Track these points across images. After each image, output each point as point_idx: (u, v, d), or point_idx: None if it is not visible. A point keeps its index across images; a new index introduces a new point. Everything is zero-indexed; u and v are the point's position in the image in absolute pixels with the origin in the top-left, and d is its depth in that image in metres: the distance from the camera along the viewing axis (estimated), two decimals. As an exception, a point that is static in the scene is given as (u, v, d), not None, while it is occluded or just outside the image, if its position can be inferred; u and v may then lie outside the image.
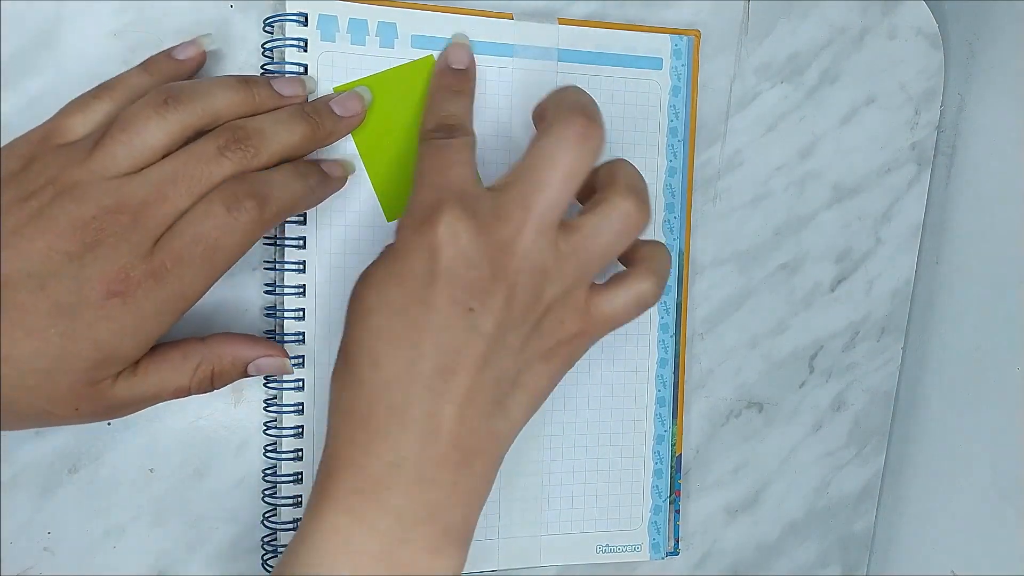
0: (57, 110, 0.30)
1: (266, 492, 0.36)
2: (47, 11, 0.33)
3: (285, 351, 0.33)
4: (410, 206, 0.30)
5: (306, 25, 0.34)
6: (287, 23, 0.34)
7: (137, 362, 0.30)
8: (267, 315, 0.36)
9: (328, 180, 0.33)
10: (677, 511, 0.42)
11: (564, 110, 0.30)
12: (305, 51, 0.34)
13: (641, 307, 0.32)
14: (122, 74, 0.31)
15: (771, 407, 0.45)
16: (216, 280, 0.29)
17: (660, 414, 0.41)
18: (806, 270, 0.44)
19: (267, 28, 0.35)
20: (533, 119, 0.34)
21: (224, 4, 0.35)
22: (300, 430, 0.36)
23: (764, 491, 0.45)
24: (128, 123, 0.29)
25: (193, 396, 0.35)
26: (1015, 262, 0.42)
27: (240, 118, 0.31)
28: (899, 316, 0.46)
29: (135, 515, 0.36)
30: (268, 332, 0.36)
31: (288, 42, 0.34)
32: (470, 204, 0.29)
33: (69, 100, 0.30)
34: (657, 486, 0.42)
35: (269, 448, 0.36)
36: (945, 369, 0.46)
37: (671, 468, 0.42)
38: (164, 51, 0.33)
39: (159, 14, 0.34)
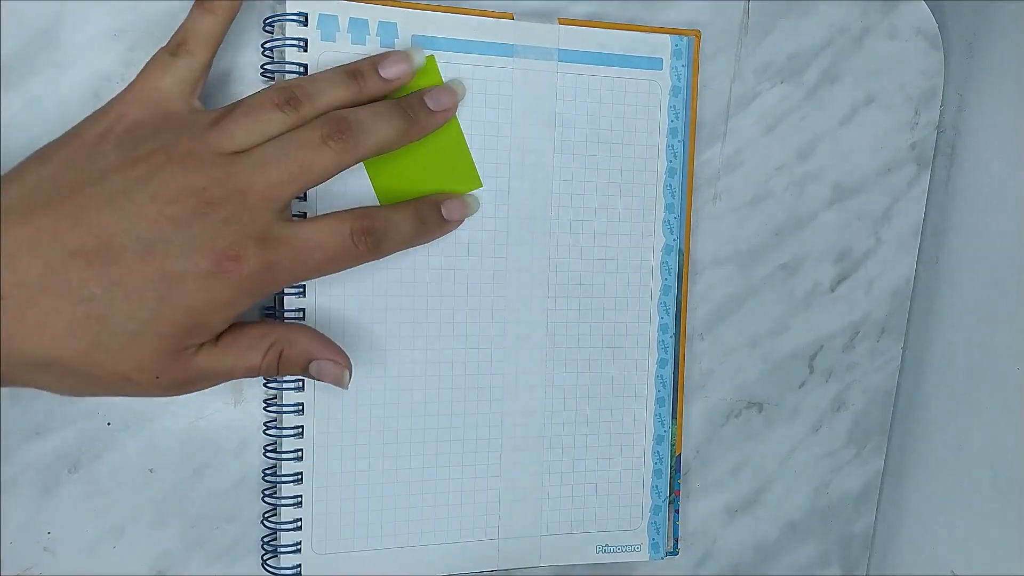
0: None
1: (266, 492, 0.36)
2: (47, 11, 0.33)
3: (350, 362, 0.33)
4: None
5: (306, 25, 0.34)
6: (287, 23, 0.34)
7: (219, 336, 0.30)
8: (266, 314, 0.36)
9: (443, 225, 0.36)
10: (677, 511, 0.42)
11: None
12: (305, 51, 0.34)
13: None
14: (309, 79, 0.32)
15: (771, 407, 0.45)
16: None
17: (660, 414, 0.41)
18: (806, 270, 0.44)
19: (267, 28, 0.35)
20: None
21: (224, 4, 0.35)
22: (300, 430, 0.36)
23: (764, 491, 0.45)
24: (252, 110, 0.30)
25: (195, 396, 0.35)
26: (1015, 262, 0.42)
27: (338, 110, 0.32)
28: (899, 316, 0.46)
29: (135, 515, 0.36)
30: (268, 332, 0.36)
31: (288, 42, 0.34)
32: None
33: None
34: (657, 486, 0.42)
35: (269, 448, 0.36)
36: (945, 369, 0.46)
37: (671, 468, 0.42)
38: (371, 64, 0.33)
39: (159, 14, 0.34)
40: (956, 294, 0.46)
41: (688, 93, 0.40)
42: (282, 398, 0.35)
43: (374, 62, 0.33)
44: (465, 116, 0.37)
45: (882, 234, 0.45)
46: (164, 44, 0.31)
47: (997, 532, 0.42)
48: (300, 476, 0.36)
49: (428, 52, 0.36)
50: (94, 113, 0.30)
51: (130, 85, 0.30)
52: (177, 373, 0.29)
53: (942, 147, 0.46)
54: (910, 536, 0.47)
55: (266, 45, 0.35)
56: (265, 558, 0.36)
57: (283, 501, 0.36)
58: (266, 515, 0.36)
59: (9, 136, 0.33)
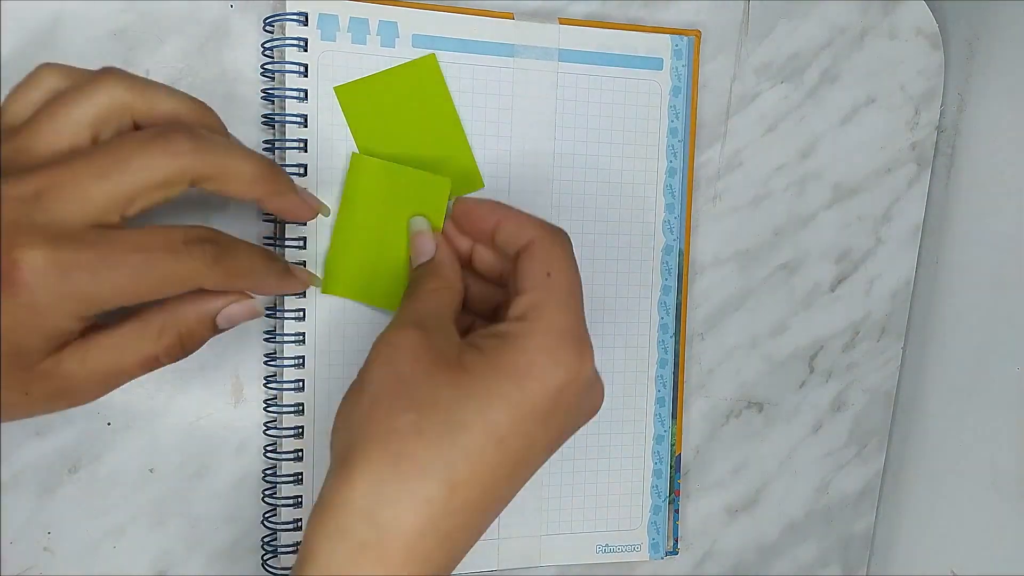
0: None
1: (266, 492, 0.36)
2: (47, 11, 0.33)
3: (250, 295, 0.30)
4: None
5: (306, 25, 0.34)
6: (287, 23, 0.34)
7: (86, 335, 0.27)
8: (267, 315, 0.36)
9: (289, 279, 0.32)
10: (676, 511, 0.42)
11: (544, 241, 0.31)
12: (305, 51, 0.34)
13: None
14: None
15: (771, 407, 0.45)
16: (142, 296, 0.26)
17: (660, 414, 0.41)
18: (806, 270, 0.44)
19: (267, 28, 0.35)
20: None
21: (224, 4, 0.35)
22: (300, 430, 0.36)
23: (764, 491, 0.45)
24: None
25: (195, 396, 0.35)
26: (1015, 262, 0.42)
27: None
28: (899, 316, 0.46)
29: (135, 515, 0.36)
30: (267, 332, 0.36)
31: (288, 42, 0.34)
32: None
33: None
34: (657, 486, 0.42)
35: (269, 448, 0.36)
36: (945, 369, 0.46)
37: (671, 468, 0.42)
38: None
39: (159, 14, 0.34)
40: (956, 294, 0.46)
41: (688, 93, 0.40)
42: (282, 398, 0.35)
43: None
44: (465, 116, 0.37)
45: (882, 234, 0.45)
46: None
47: (997, 532, 0.42)
48: (300, 476, 0.36)
49: (429, 51, 0.36)
50: None
51: None
52: (47, 385, 0.26)
53: (942, 147, 0.46)
54: (910, 536, 0.47)
55: (266, 45, 0.35)
56: (265, 558, 0.36)
57: (283, 501, 0.36)
58: (266, 515, 0.36)
59: (9, 136, 0.33)
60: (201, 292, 0.29)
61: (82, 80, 0.27)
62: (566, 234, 0.31)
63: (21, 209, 0.25)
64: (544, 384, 0.27)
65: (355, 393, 0.28)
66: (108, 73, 0.27)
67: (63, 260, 0.25)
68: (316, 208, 0.32)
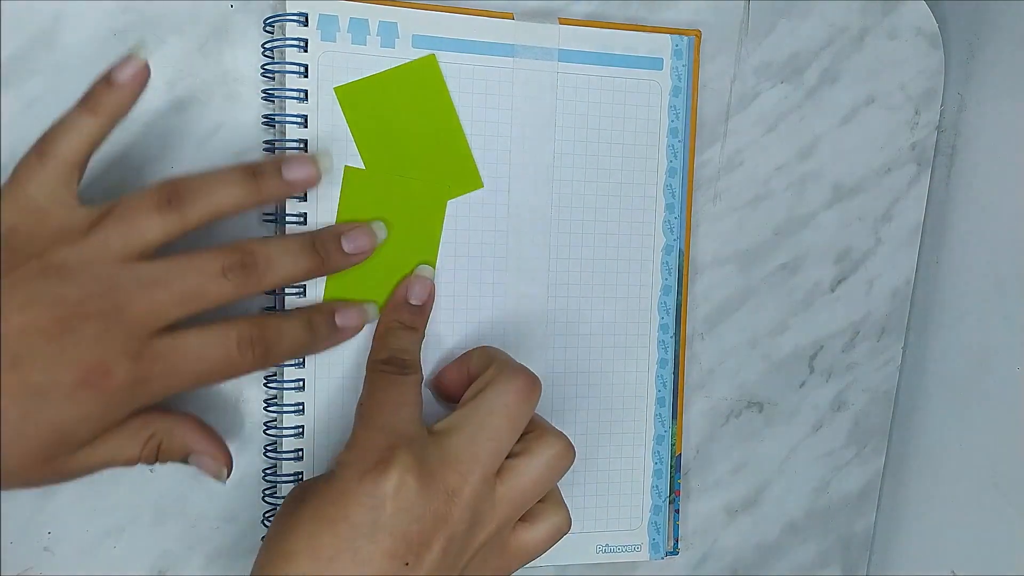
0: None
1: (266, 492, 0.36)
2: (47, 11, 0.33)
3: (230, 457, 0.32)
4: (356, 444, 0.31)
5: (306, 25, 0.34)
6: (287, 23, 0.34)
7: None
8: (267, 308, 0.36)
9: (336, 333, 0.34)
10: (677, 511, 0.42)
11: (508, 367, 0.33)
12: (305, 51, 0.34)
13: (557, 538, 0.33)
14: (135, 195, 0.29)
15: (771, 407, 0.45)
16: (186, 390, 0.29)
17: (660, 414, 0.41)
18: (806, 270, 0.44)
19: (267, 28, 0.35)
20: (448, 377, 0.36)
21: (224, 4, 0.35)
22: (300, 430, 0.36)
23: (764, 491, 0.45)
24: (127, 216, 0.28)
25: (195, 395, 0.35)
26: (1015, 262, 0.42)
27: (249, 240, 0.30)
28: (899, 316, 0.46)
29: (135, 515, 0.36)
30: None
31: (288, 42, 0.34)
32: (419, 452, 0.30)
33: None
34: (657, 486, 0.42)
35: (269, 448, 0.36)
36: (945, 369, 0.46)
37: (671, 468, 0.42)
38: (274, 164, 0.31)
39: (159, 14, 0.34)
40: (956, 294, 0.46)
41: (688, 93, 0.40)
42: (282, 398, 0.35)
43: (277, 162, 0.31)
44: (465, 116, 0.37)
45: (882, 234, 0.45)
46: (36, 141, 0.29)
47: (997, 532, 0.42)
48: (300, 476, 0.36)
49: (429, 52, 0.36)
50: None
51: (3, 189, 0.28)
52: (49, 474, 0.28)
53: (942, 147, 0.46)
54: (910, 536, 0.47)
55: (266, 45, 0.35)
56: (265, 558, 0.36)
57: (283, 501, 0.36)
58: (266, 515, 0.36)
59: (9, 136, 0.33)
60: (195, 426, 0.31)
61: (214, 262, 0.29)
62: (530, 380, 0.33)
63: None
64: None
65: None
66: (234, 268, 0.30)
67: (143, 373, 0.27)
68: (313, 174, 0.32)
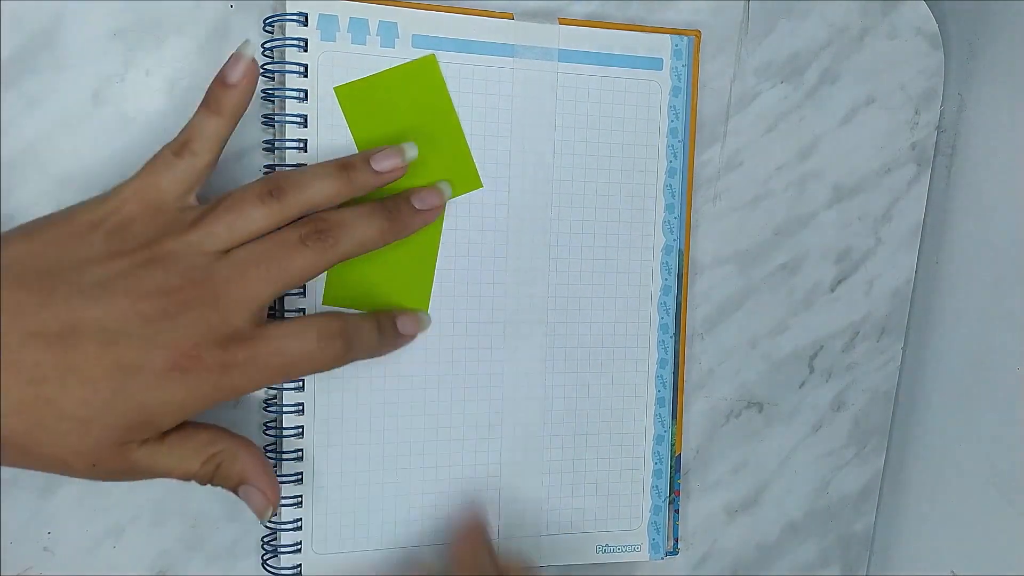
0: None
1: (266, 492, 0.36)
2: (47, 11, 0.33)
3: (278, 497, 0.32)
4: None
5: (306, 25, 0.34)
6: (287, 23, 0.34)
7: (166, 434, 0.30)
8: (269, 316, 0.36)
9: (398, 338, 0.36)
10: (676, 511, 0.42)
11: None
12: (305, 51, 0.34)
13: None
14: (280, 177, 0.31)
15: (771, 407, 0.45)
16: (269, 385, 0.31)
17: (660, 414, 0.41)
18: (806, 270, 0.44)
19: (267, 28, 0.35)
20: None
21: (224, 4, 0.35)
22: (300, 430, 0.36)
23: (764, 491, 0.45)
24: (234, 206, 0.30)
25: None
26: (1015, 262, 0.42)
27: (323, 210, 0.32)
28: (899, 316, 0.46)
29: (135, 515, 0.36)
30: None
31: (288, 42, 0.34)
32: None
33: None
34: (657, 486, 0.42)
35: (269, 448, 0.36)
36: (945, 369, 0.46)
37: (671, 468, 0.42)
38: (363, 157, 0.33)
39: (159, 14, 0.34)
40: (956, 294, 0.46)
41: (688, 93, 0.40)
42: (282, 398, 0.35)
43: (366, 156, 0.33)
44: (465, 116, 0.37)
45: (882, 234, 0.45)
46: (170, 141, 0.30)
47: (997, 532, 0.42)
48: (300, 476, 0.36)
49: (429, 51, 0.36)
50: (91, 200, 0.30)
51: (132, 179, 0.30)
52: (114, 464, 0.29)
53: (942, 147, 0.46)
54: (910, 536, 0.47)
55: (266, 45, 0.35)
56: (265, 558, 0.36)
57: (283, 501, 0.36)
58: (266, 515, 0.36)
59: (9, 136, 0.33)
60: (256, 459, 0.32)
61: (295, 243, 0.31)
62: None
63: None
64: None
65: None
66: (315, 241, 0.31)
67: (230, 360, 0.29)
68: (399, 164, 0.33)
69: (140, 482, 0.35)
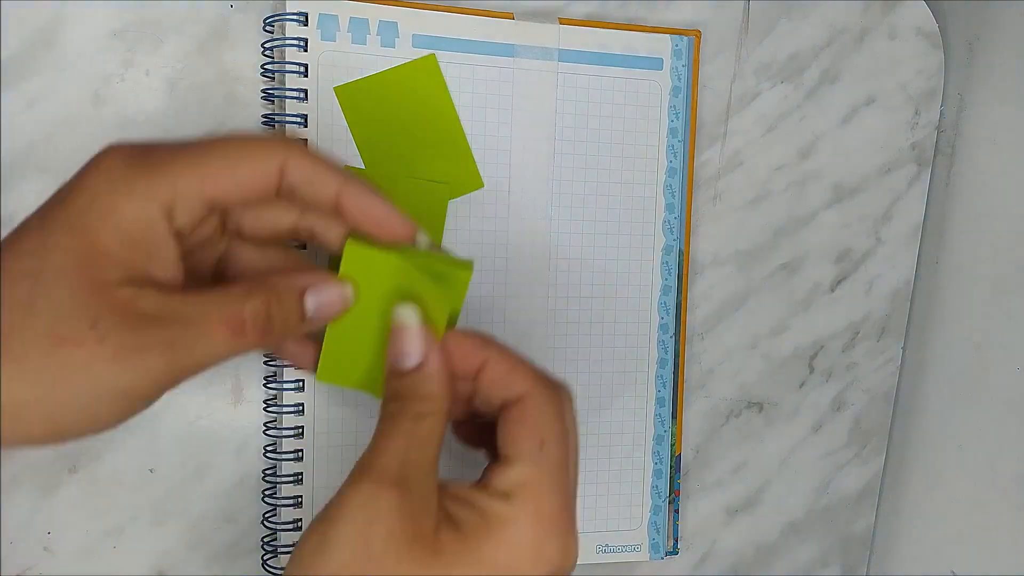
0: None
1: (266, 492, 0.36)
2: (47, 11, 0.33)
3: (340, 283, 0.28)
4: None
5: (306, 25, 0.34)
6: (287, 23, 0.34)
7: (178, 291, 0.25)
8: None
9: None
10: (676, 511, 0.42)
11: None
12: (305, 51, 0.34)
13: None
14: None
15: (771, 407, 0.45)
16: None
17: (660, 414, 0.41)
18: (806, 270, 0.44)
19: (267, 28, 0.35)
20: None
21: (224, 4, 0.35)
22: (300, 430, 0.36)
23: (764, 491, 0.45)
24: None
25: (195, 396, 0.35)
26: (1015, 262, 0.42)
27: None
28: (899, 316, 0.46)
29: (135, 515, 0.36)
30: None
31: (288, 42, 0.34)
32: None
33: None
34: (657, 486, 0.42)
35: (269, 448, 0.36)
36: (945, 369, 0.46)
37: (671, 468, 0.42)
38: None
39: (159, 14, 0.34)
40: (956, 294, 0.46)
41: (688, 93, 0.40)
42: (282, 398, 0.35)
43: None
44: (465, 116, 0.37)
45: (882, 234, 0.45)
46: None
47: (997, 532, 0.42)
48: (300, 476, 0.36)
49: (429, 51, 0.36)
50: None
51: None
52: (118, 318, 0.23)
53: (942, 147, 0.46)
54: (910, 536, 0.47)
55: (266, 45, 0.35)
56: (265, 558, 0.36)
57: (283, 501, 0.36)
58: (266, 515, 0.36)
59: (9, 136, 0.33)
60: (290, 270, 0.27)
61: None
62: (567, 390, 0.28)
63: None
64: None
65: (316, 552, 0.24)
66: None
67: (147, 144, 0.24)
68: (411, 228, 0.28)
69: (139, 482, 0.35)
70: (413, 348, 0.28)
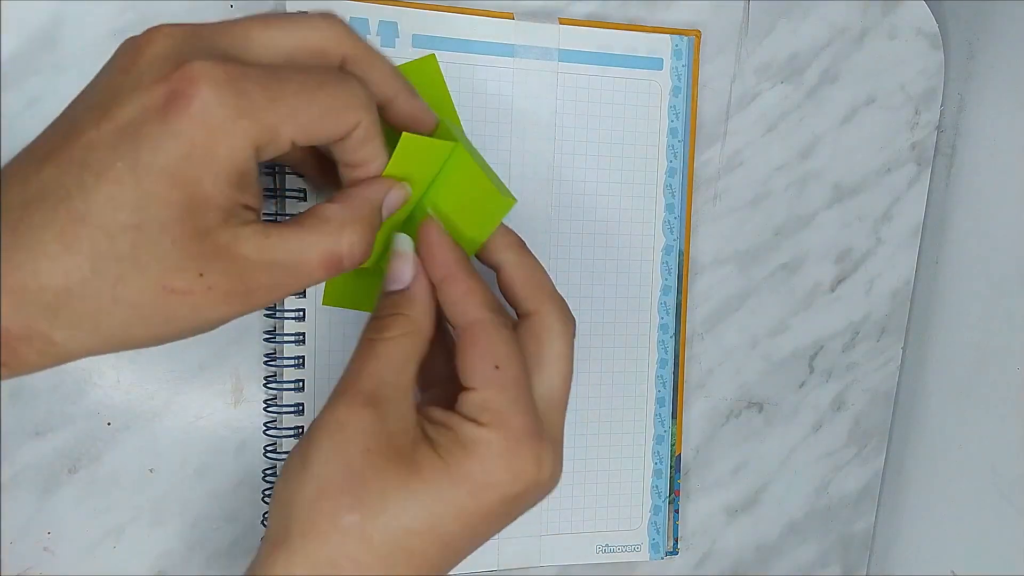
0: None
1: (266, 492, 0.36)
2: (47, 11, 0.33)
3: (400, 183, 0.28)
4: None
5: (306, 25, 0.34)
6: (287, 23, 0.34)
7: (264, 226, 0.25)
8: (266, 315, 0.36)
9: (420, 105, 0.30)
10: (676, 511, 0.42)
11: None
12: (305, 51, 0.34)
13: None
14: None
15: (771, 407, 0.45)
16: (313, 123, 0.25)
17: (660, 414, 0.41)
18: (806, 270, 0.44)
19: (267, 28, 0.35)
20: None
21: (224, 4, 0.35)
22: (300, 431, 0.36)
23: (764, 491, 0.45)
24: None
25: (195, 396, 0.35)
26: (1015, 262, 0.42)
27: None
28: (899, 316, 0.46)
29: (135, 515, 0.36)
30: (267, 332, 0.36)
31: (288, 42, 0.34)
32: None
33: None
34: (657, 486, 0.42)
35: (269, 448, 0.36)
36: (945, 369, 0.46)
37: (671, 468, 0.42)
38: None
39: (159, 14, 0.34)
40: (956, 294, 0.46)
41: (688, 93, 0.40)
42: (282, 398, 0.35)
43: None
44: (465, 116, 0.37)
45: (882, 234, 0.45)
46: None
47: (997, 532, 0.42)
48: (300, 476, 0.36)
49: (429, 51, 0.36)
50: None
51: None
52: (221, 266, 0.23)
53: (942, 147, 0.46)
54: (910, 536, 0.47)
55: (266, 45, 0.35)
56: (265, 558, 0.36)
57: (283, 501, 0.36)
58: (266, 515, 0.36)
59: (9, 136, 0.33)
60: (364, 181, 0.27)
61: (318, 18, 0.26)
62: (509, 317, 0.29)
63: (195, 42, 0.24)
64: (501, 493, 0.26)
65: (298, 472, 0.26)
66: (342, 27, 0.26)
67: (237, 74, 0.23)
68: (433, 122, 0.30)
69: (139, 482, 0.35)
70: (404, 272, 0.29)
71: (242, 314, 0.24)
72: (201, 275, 0.23)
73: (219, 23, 0.25)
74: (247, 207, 0.24)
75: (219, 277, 0.23)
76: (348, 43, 0.26)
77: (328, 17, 0.26)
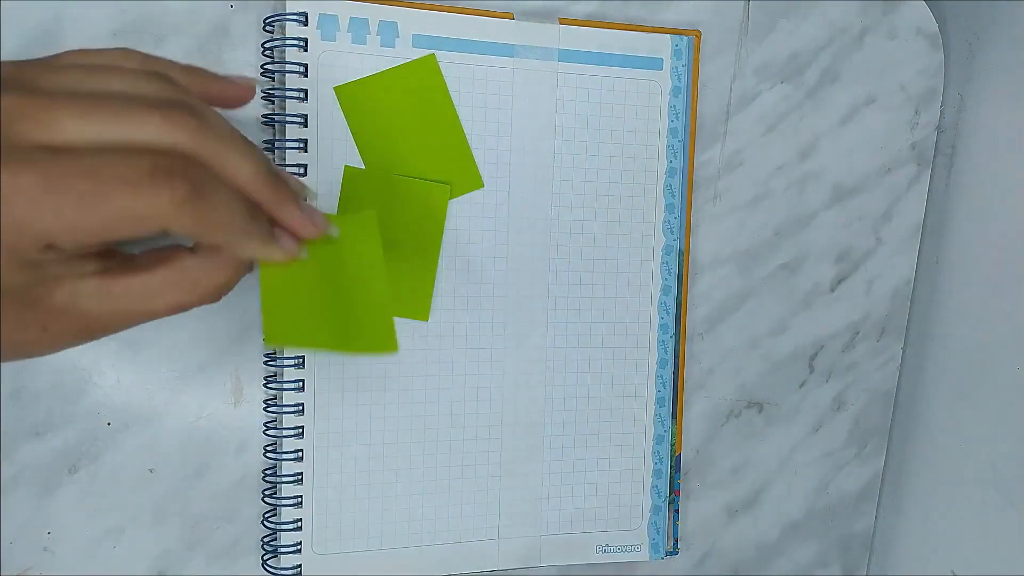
0: None
1: (266, 492, 0.36)
2: (47, 11, 0.33)
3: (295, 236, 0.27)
4: None
5: (306, 24, 0.34)
6: (287, 23, 0.34)
7: (109, 272, 0.24)
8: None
9: (271, 248, 0.27)
10: (676, 511, 0.42)
11: None
12: (305, 51, 0.34)
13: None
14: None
15: (771, 407, 0.45)
16: (96, 234, 0.22)
17: (660, 414, 0.41)
18: (806, 270, 0.44)
19: (267, 28, 0.35)
20: None
21: (224, 4, 0.35)
22: (300, 430, 0.36)
23: (764, 491, 0.45)
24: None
25: (195, 396, 0.35)
26: (1015, 262, 0.42)
27: None
28: (899, 316, 0.46)
29: (135, 515, 0.36)
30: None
31: (288, 42, 0.34)
32: None
33: None
34: (657, 486, 0.42)
35: (269, 448, 0.36)
36: (945, 369, 0.46)
37: (671, 468, 0.42)
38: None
39: (159, 14, 0.34)
40: (956, 294, 0.46)
41: (688, 93, 0.40)
42: (282, 398, 0.35)
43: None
44: (465, 116, 0.37)
45: (882, 234, 0.45)
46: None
47: (997, 532, 0.42)
48: (300, 476, 0.36)
49: (429, 51, 0.36)
50: None
51: None
52: (64, 321, 0.24)
53: (942, 147, 0.46)
54: (910, 536, 0.47)
55: (266, 45, 0.35)
56: (265, 558, 0.36)
57: (283, 501, 0.36)
58: (266, 515, 0.36)
59: (9, 136, 0.33)
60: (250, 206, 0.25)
61: (153, 101, 0.24)
62: None
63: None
64: None
65: None
66: (182, 114, 0.24)
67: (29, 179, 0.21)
68: (321, 227, 0.28)
69: (139, 482, 0.35)
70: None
71: (99, 338, 0.25)
72: (45, 329, 0.24)
73: (32, 101, 0.22)
74: (84, 257, 0.24)
75: (62, 327, 0.24)
76: (195, 146, 0.24)
77: (168, 109, 0.23)
